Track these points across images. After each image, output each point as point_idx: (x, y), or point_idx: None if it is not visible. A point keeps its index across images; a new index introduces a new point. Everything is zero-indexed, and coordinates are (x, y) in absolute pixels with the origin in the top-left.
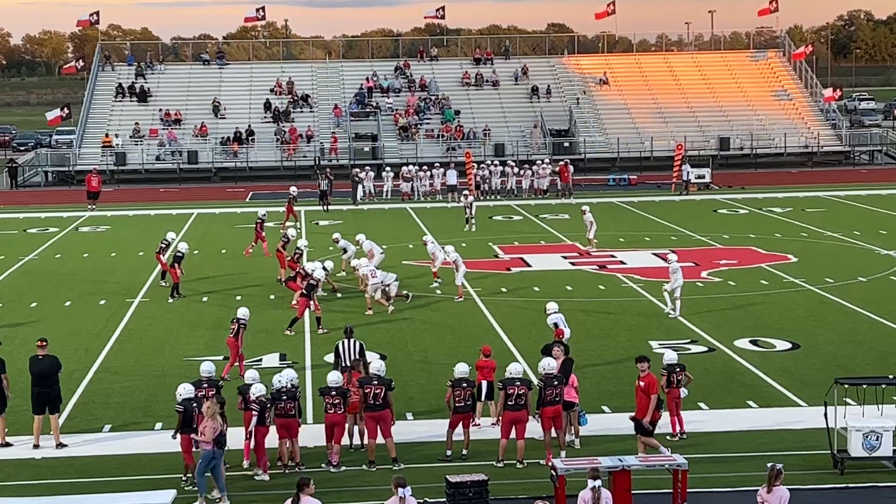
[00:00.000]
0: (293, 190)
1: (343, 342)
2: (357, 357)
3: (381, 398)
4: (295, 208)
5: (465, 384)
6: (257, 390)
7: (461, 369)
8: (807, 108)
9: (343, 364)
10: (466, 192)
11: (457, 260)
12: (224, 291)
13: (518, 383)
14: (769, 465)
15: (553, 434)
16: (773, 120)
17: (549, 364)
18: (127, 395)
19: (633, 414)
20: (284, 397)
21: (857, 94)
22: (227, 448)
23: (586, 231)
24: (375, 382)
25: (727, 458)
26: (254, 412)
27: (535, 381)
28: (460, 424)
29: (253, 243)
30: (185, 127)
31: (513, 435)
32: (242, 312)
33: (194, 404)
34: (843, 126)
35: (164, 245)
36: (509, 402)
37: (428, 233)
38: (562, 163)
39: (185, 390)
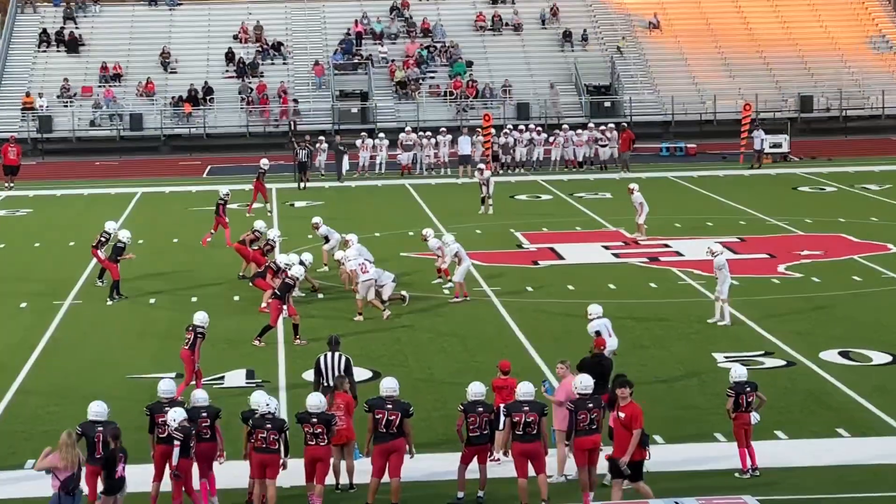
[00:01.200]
0: (264, 163)
1: (325, 356)
2: (342, 374)
3: (396, 426)
4: (266, 185)
5: (480, 409)
6: (177, 415)
7: (476, 390)
8: None
9: (325, 383)
10: (482, 165)
11: (458, 252)
12: (177, 291)
13: (527, 408)
14: None
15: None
16: (869, 74)
17: (584, 383)
18: (55, 422)
19: (610, 452)
20: (268, 426)
21: None
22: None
23: (636, 215)
24: (390, 406)
25: (811, 500)
26: (176, 442)
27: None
28: (475, 459)
29: (213, 230)
30: (126, 84)
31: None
32: (200, 318)
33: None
34: None
35: (102, 238)
36: (517, 432)
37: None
38: (623, 127)
39: (178, 414)
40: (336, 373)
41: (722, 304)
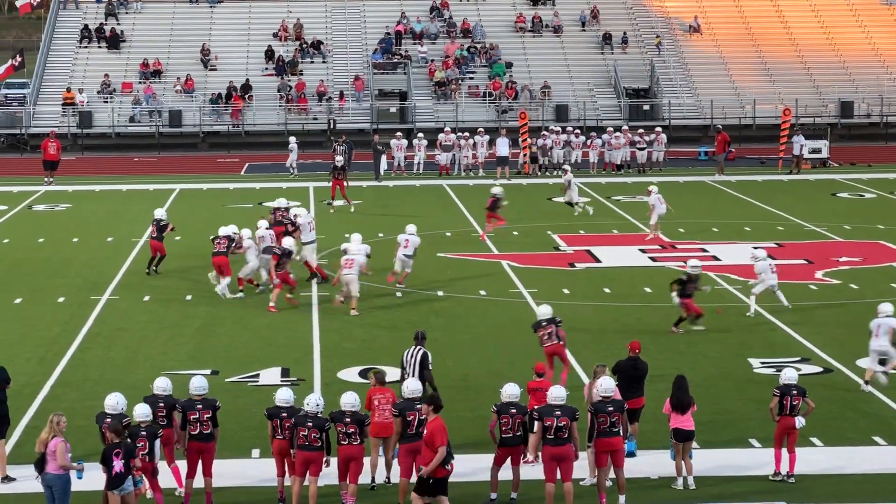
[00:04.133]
0: (339, 160)
1: (409, 350)
2: (381, 370)
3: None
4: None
5: (513, 410)
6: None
7: (510, 391)
8: None
9: (405, 376)
10: (567, 166)
11: (410, 240)
12: (213, 288)
13: (558, 413)
14: None
15: (612, 474)
16: None
17: (604, 385)
18: (90, 416)
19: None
20: (310, 423)
21: None
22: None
23: (650, 215)
24: (419, 406)
25: None
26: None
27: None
28: (508, 460)
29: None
30: (166, 80)
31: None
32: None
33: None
34: None
35: (158, 222)
36: (548, 436)
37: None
38: (718, 129)
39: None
40: (414, 366)
41: (776, 295)
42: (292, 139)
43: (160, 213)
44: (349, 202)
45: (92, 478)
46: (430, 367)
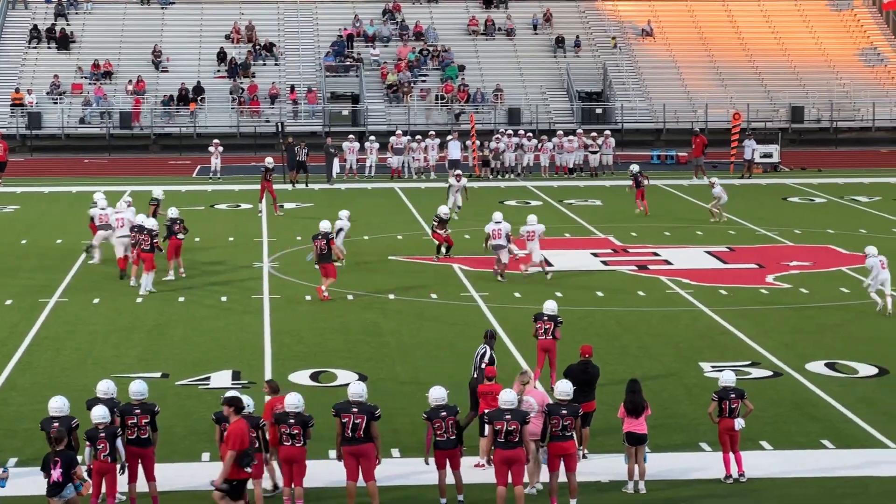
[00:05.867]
0: (269, 161)
1: (479, 348)
2: (484, 363)
3: (363, 429)
4: (274, 185)
5: (444, 413)
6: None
7: (436, 395)
8: None
9: (474, 375)
10: (459, 171)
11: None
12: (164, 289)
13: (508, 416)
14: None
15: (562, 478)
16: (860, 86)
17: (562, 388)
18: (38, 420)
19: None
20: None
21: None
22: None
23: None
24: (355, 410)
25: None
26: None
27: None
28: (448, 464)
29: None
30: (117, 82)
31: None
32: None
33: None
34: None
35: (177, 222)
36: (499, 440)
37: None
38: (696, 132)
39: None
40: (480, 364)
41: (886, 297)
42: (215, 142)
43: (174, 212)
44: (276, 208)
45: (33, 482)
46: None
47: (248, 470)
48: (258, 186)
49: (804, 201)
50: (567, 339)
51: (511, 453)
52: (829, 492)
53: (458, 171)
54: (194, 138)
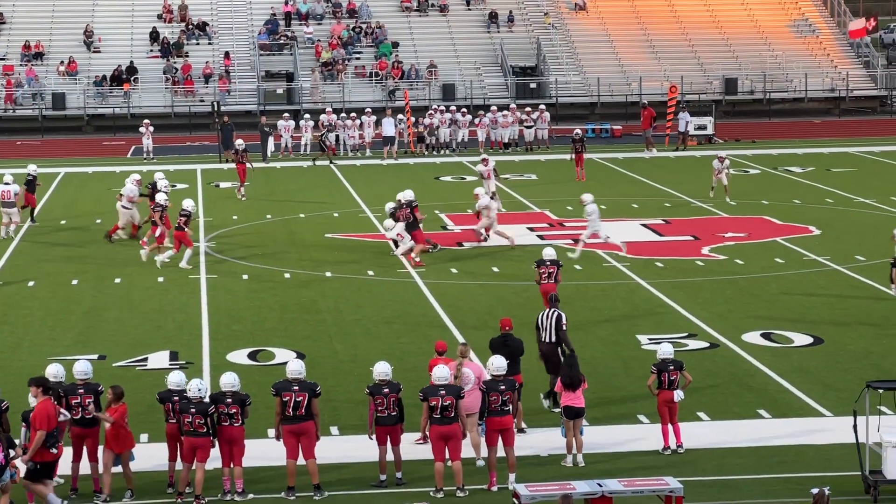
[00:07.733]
0: (239, 143)
1: (543, 312)
2: (554, 328)
3: (305, 407)
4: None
5: (386, 389)
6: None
7: (381, 369)
8: (833, 42)
9: (544, 340)
10: (486, 156)
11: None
12: (99, 272)
13: (443, 392)
14: (814, 490)
15: (501, 452)
16: (792, 57)
17: (496, 364)
18: None
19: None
20: (193, 410)
21: (895, 25)
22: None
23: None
24: (296, 388)
25: (732, 480)
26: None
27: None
28: (388, 441)
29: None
30: (48, 63)
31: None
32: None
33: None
34: (879, 65)
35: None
36: (434, 416)
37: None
38: (644, 104)
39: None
40: (549, 328)
41: None
42: (146, 122)
43: (189, 204)
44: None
45: None
46: (566, 328)
47: (54, 451)
48: (193, 167)
49: (738, 173)
50: (503, 312)
51: (447, 429)
52: (765, 460)
53: (485, 156)
54: (128, 119)
